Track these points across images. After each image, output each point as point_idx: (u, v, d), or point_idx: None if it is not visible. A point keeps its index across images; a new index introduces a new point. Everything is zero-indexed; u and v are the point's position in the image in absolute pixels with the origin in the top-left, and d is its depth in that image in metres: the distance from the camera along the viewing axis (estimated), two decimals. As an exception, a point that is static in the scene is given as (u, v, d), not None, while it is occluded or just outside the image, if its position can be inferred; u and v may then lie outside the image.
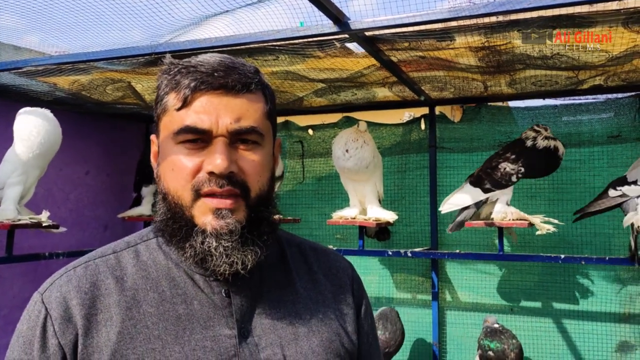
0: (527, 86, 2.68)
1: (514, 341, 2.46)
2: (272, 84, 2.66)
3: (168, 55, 0.91)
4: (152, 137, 0.93)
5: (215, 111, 0.82)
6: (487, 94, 2.84)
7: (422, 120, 3.11)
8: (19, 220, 2.30)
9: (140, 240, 0.92)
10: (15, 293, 2.74)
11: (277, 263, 0.97)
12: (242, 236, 0.82)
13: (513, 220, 2.41)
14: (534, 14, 1.74)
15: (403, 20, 1.65)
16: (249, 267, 0.83)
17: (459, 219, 2.56)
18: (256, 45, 2.00)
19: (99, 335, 0.80)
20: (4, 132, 2.51)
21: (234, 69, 0.84)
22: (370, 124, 3.18)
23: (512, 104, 2.96)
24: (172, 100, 0.84)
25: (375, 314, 2.81)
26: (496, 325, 2.49)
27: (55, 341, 0.79)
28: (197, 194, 0.82)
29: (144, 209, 3.10)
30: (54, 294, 0.82)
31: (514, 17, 1.75)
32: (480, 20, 1.77)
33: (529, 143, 2.52)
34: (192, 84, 0.82)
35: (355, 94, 2.90)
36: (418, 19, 1.64)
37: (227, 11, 1.77)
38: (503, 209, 2.46)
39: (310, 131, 3.35)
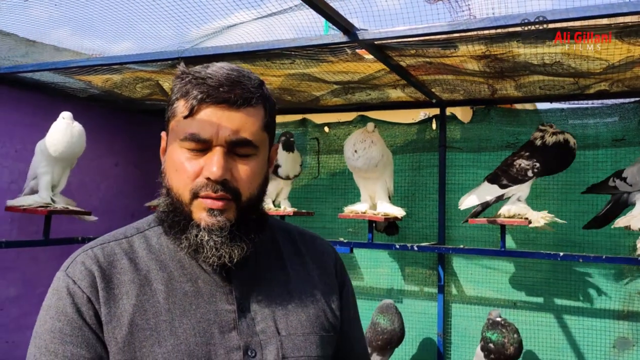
0: (535, 90, 2.80)
1: (515, 336, 2.56)
2: (289, 84, 2.84)
3: (182, 63, 1.02)
4: (163, 133, 1.02)
5: (217, 123, 0.91)
6: (496, 97, 2.97)
7: (434, 121, 3.24)
8: (53, 207, 2.51)
9: (147, 227, 1.03)
10: (50, 273, 2.96)
11: (270, 247, 1.09)
12: (230, 233, 0.93)
13: (509, 217, 2.53)
14: (532, 27, 1.87)
15: (406, 32, 1.80)
16: (235, 260, 0.94)
17: (474, 210, 2.71)
18: (274, 52, 2.17)
19: (117, 307, 0.91)
20: (42, 125, 2.73)
21: (238, 83, 0.93)
22: (383, 123, 3.33)
23: (520, 106, 3.08)
24: (181, 107, 0.94)
25: (378, 305, 2.96)
26: (498, 319, 2.61)
27: (90, 305, 0.90)
28: (195, 195, 0.93)
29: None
30: (78, 268, 0.93)
31: (512, 29, 1.88)
32: (480, 32, 1.91)
33: (538, 142, 2.62)
34: (199, 96, 0.91)
35: (370, 94, 3.05)
36: (420, 31, 1.78)
37: (241, 24, 1.93)
38: (512, 206, 2.58)
39: (327, 129, 3.51)
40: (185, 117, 0.93)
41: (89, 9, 2.26)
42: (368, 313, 3.06)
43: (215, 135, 0.92)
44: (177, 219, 0.96)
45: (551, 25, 1.84)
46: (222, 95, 0.92)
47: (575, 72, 2.34)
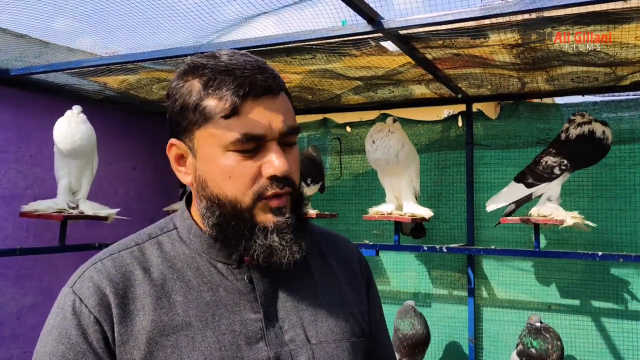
0: (567, 83, 2.67)
1: (558, 343, 2.44)
2: (310, 82, 2.75)
3: (189, 58, 0.91)
4: (175, 141, 0.91)
5: (267, 116, 0.84)
6: (525, 91, 2.84)
7: (460, 118, 3.12)
8: (68, 212, 2.44)
9: (160, 232, 0.94)
10: (67, 279, 2.91)
11: None
12: (295, 229, 0.88)
13: (541, 217, 2.40)
14: (568, 11, 1.75)
15: (435, 19, 1.69)
16: (302, 254, 0.89)
17: (507, 210, 2.58)
18: (294, 45, 2.08)
19: (134, 324, 0.83)
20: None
21: (265, 69, 0.86)
22: (407, 122, 3.23)
23: (550, 100, 2.95)
24: (215, 107, 0.84)
25: (397, 310, 2.85)
26: (538, 324, 2.48)
27: (97, 327, 0.82)
28: (260, 198, 0.86)
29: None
30: (86, 285, 0.84)
31: (547, 14, 1.76)
32: (513, 18, 1.80)
33: (562, 136, 2.51)
34: (240, 92, 0.83)
35: (393, 91, 2.95)
36: (450, 18, 1.67)
37: (265, 13, 1.85)
38: (541, 207, 2.45)
39: (349, 128, 3.41)
40: (227, 118, 0.83)
41: (110, 17, 2.19)
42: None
43: (269, 129, 0.84)
44: (240, 229, 0.86)
45: (590, 9, 1.73)
46: (261, 85, 0.84)
47: (613, 60, 2.21)
